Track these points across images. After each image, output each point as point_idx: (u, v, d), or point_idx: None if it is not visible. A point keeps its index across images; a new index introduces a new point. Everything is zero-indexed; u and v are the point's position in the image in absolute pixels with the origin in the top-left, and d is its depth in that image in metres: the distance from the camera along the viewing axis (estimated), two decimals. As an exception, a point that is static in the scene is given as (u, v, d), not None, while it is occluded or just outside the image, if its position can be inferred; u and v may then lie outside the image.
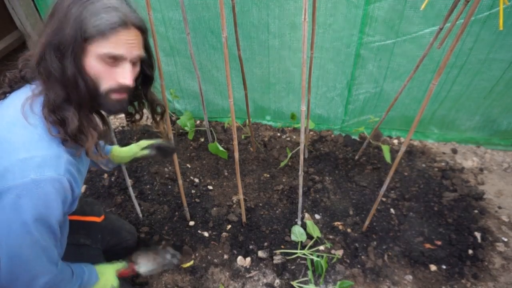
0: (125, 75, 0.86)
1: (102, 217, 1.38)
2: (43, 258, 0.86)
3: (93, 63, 0.82)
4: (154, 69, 1.05)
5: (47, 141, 0.82)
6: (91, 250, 1.29)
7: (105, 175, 2.08)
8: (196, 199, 1.97)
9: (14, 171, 0.77)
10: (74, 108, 0.84)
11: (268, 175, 2.12)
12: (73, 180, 0.86)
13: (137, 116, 1.12)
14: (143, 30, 0.90)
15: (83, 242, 1.27)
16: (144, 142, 1.41)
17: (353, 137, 2.40)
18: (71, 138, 0.83)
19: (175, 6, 1.96)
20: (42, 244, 0.84)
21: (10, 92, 0.89)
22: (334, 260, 1.64)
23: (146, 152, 1.38)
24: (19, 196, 0.77)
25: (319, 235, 1.71)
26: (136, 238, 1.62)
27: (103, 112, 1.00)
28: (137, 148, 1.39)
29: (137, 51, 0.87)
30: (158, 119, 1.16)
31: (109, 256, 1.50)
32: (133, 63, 0.89)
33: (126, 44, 0.84)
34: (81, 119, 0.85)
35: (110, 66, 0.84)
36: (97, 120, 0.93)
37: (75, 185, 0.88)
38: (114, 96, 0.88)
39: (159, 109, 1.14)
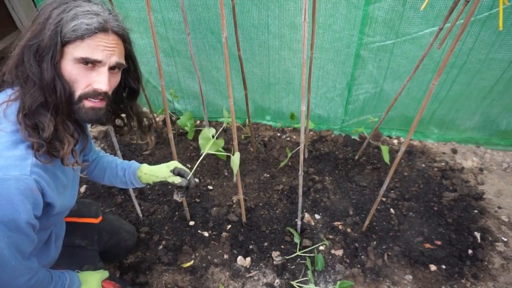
0: (101, 80, 0.84)
1: (100, 218, 1.37)
2: (16, 260, 0.84)
3: (70, 67, 0.81)
4: (140, 82, 1.04)
5: (14, 143, 0.80)
6: (86, 251, 1.29)
7: (105, 175, 2.09)
8: (196, 199, 1.97)
9: None
10: (51, 113, 0.82)
11: (268, 175, 2.12)
12: (44, 183, 0.84)
13: (126, 129, 1.11)
14: (124, 39, 0.90)
15: (78, 243, 1.27)
16: (174, 163, 1.27)
17: (353, 137, 2.40)
18: (46, 143, 0.82)
19: (175, 6, 1.96)
20: (13, 246, 0.82)
21: None
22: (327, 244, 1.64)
23: (178, 180, 1.21)
24: None
25: None
26: (135, 238, 1.62)
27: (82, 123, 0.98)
28: (167, 170, 1.23)
29: (116, 58, 0.86)
30: (146, 131, 1.14)
31: (109, 256, 1.51)
32: (112, 71, 0.88)
33: (105, 49, 0.83)
34: (57, 125, 0.84)
35: (87, 71, 0.83)
36: (74, 128, 0.90)
37: (48, 189, 0.85)
38: (88, 104, 0.86)
39: (146, 122, 1.13)
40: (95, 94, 0.85)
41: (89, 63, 0.82)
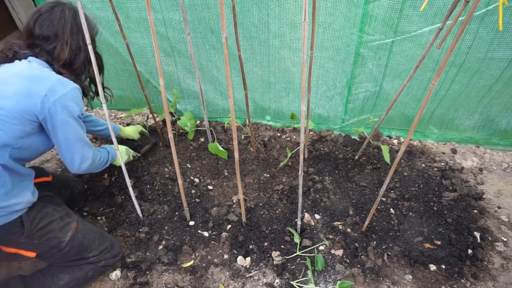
0: None
1: (51, 177, 1.68)
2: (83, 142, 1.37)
3: None
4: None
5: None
6: (54, 198, 1.53)
7: (105, 175, 2.09)
8: (196, 199, 1.97)
9: (58, 86, 1.24)
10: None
11: (268, 175, 2.12)
12: None
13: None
14: None
15: (46, 194, 1.51)
16: (140, 127, 2.24)
17: (353, 137, 2.40)
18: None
19: (175, 6, 1.96)
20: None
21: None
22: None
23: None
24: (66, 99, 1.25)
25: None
26: (83, 183, 1.93)
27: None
28: (137, 132, 2.20)
29: None
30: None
31: (72, 205, 1.82)
32: None
33: None
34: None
35: None
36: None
37: None
38: None
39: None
40: None
41: None
